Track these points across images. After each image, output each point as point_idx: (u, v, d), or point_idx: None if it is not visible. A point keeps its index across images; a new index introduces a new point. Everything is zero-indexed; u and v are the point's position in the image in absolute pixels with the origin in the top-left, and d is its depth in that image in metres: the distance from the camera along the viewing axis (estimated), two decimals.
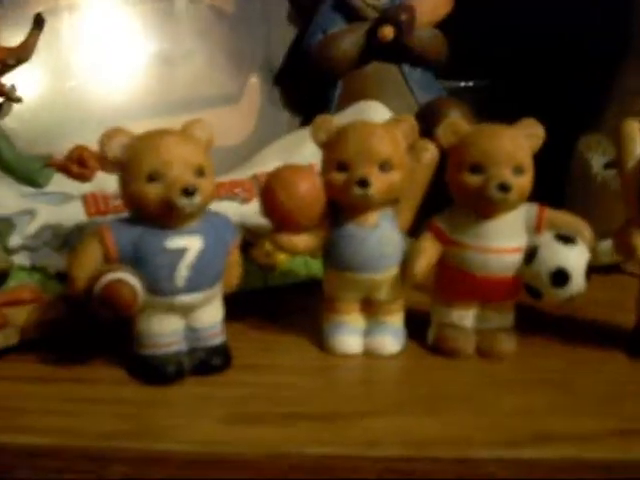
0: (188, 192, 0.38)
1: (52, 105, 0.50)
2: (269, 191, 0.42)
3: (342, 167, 0.41)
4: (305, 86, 0.54)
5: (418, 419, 0.38)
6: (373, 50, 0.53)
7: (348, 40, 0.53)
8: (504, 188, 0.40)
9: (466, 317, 0.44)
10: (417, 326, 0.46)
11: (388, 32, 0.51)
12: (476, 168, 0.41)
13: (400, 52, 0.53)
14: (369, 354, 0.44)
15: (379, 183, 0.41)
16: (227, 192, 0.49)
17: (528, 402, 0.40)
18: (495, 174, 0.41)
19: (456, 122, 0.43)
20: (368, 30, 0.53)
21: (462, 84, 0.62)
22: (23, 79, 0.45)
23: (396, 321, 0.45)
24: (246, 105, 0.53)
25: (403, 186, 0.42)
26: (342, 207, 0.42)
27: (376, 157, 0.41)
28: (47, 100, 0.50)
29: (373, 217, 0.42)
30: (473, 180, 0.41)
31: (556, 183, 0.57)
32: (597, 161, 0.55)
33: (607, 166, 0.54)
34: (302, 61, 0.54)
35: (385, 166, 0.41)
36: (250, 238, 0.49)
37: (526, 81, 0.62)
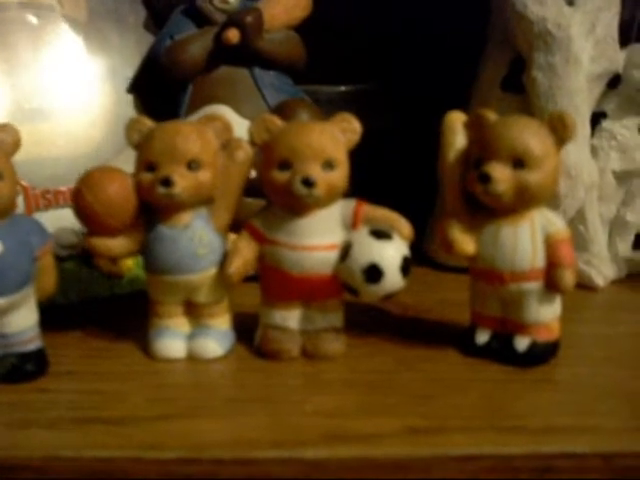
0: None
1: None
2: (77, 194, 0.41)
3: (150, 167, 0.41)
4: (157, 93, 0.53)
5: (209, 421, 0.37)
6: (223, 54, 0.52)
7: (196, 44, 0.52)
8: (308, 183, 0.40)
9: (289, 318, 0.43)
10: (253, 329, 0.45)
11: (232, 35, 0.51)
12: (284, 164, 0.40)
13: (249, 55, 0.52)
14: (193, 358, 0.43)
15: (185, 182, 0.40)
16: (67, 200, 0.48)
17: (336, 403, 0.39)
18: (300, 169, 0.40)
19: (269, 119, 0.42)
20: (216, 34, 0.52)
21: (337, 89, 0.61)
22: None
23: (220, 324, 0.44)
24: (97, 113, 0.52)
25: (214, 185, 0.42)
26: (153, 208, 0.42)
27: (182, 156, 0.40)
28: None
29: (185, 217, 0.42)
30: (281, 177, 0.40)
31: (428, 187, 0.56)
32: None
33: None
34: (151, 67, 0.54)
35: (192, 165, 0.41)
36: None
37: (394, 83, 0.62)
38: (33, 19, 0.52)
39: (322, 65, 0.57)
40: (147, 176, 0.41)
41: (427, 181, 0.56)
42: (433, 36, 0.62)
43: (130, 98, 0.54)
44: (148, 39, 0.55)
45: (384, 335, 0.46)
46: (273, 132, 0.42)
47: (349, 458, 0.35)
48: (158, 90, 0.53)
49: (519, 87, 0.52)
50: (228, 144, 0.42)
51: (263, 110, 0.52)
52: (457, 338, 0.44)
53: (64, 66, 0.52)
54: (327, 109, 0.50)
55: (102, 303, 0.50)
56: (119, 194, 0.41)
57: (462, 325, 0.45)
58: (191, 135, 0.41)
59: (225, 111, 0.50)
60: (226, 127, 0.42)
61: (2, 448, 0.35)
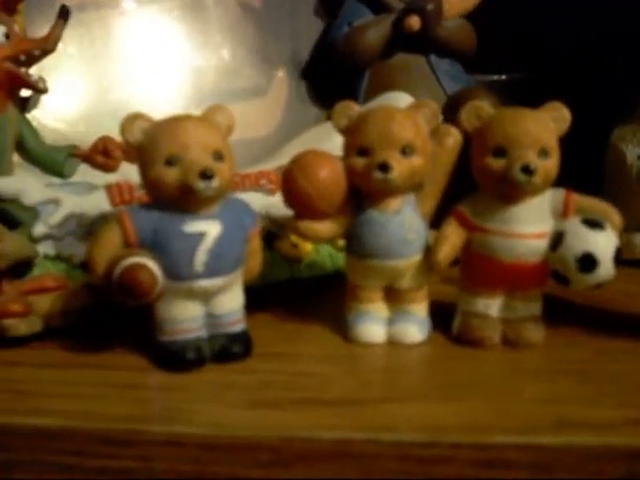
0: (206, 175, 0.38)
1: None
2: (290, 177, 0.42)
3: (363, 152, 0.41)
4: (332, 79, 0.54)
5: (437, 405, 0.37)
6: (400, 41, 0.53)
7: (374, 31, 0.53)
8: (528, 170, 0.40)
9: (492, 306, 0.43)
10: (444, 316, 0.45)
11: (414, 22, 0.51)
12: (500, 151, 0.40)
13: (427, 43, 0.53)
14: (392, 343, 0.43)
15: (400, 167, 0.41)
16: (252, 183, 0.49)
17: (552, 391, 0.39)
18: (519, 156, 0.40)
19: (479, 106, 0.42)
20: (394, 21, 0.52)
21: (495, 77, 0.61)
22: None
23: (420, 310, 0.44)
24: (273, 98, 0.53)
25: (425, 171, 0.42)
26: (364, 193, 0.42)
27: (397, 141, 0.41)
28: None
29: (395, 203, 0.42)
30: (497, 164, 0.40)
31: (592, 176, 0.56)
32: (632, 152, 0.53)
33: None
34: (328, 53, 0.54)
35: (406, 150, 0.41)
36: (276, 229, 0.49)
37: (559, 74, 0.61)
38: (210, 3, 0.52)
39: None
40: (360, 161, 0.41)
41: (585, 171, 0.56)
42: (593, 30, 0.61)
43: (304, 84, 0.54)
44: (319, 25, 0.55)
45: (576, 325, 0.45)
46: (484, 119, 0.42)
47: (587, 446, 0.34)
48: (333, 76, 0.54)
49: None
50: (437, 130, 0.42)
51: (441, 98, 0.52)
52: None
53: (239, 51, 0.53)
54: None
55: (276, 287, 0.51)
56: (331, 178, 0.41)
57: None
58: (406, 121, 0.41)
59: (405, 98, 0.50)
60: (435, 113, 0.42)
61: (233, 426, 0.36)
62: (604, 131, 0.56)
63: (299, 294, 0.50)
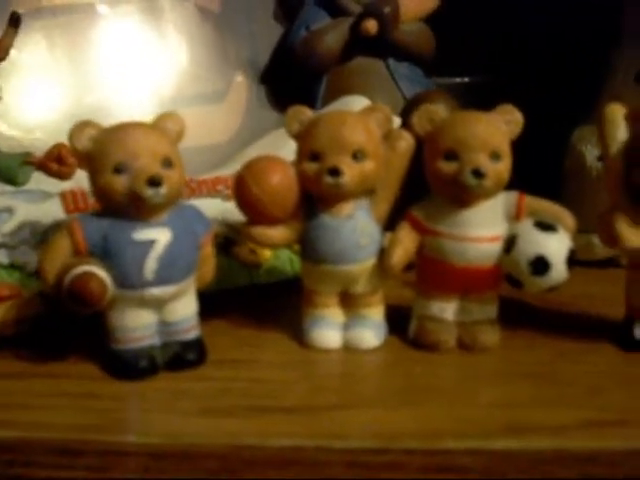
0: (154, 182, 0.38)
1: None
2: (242, 184, 0.41)
3: (314, 157, 0.41)
4: (291, 83, 0.54)
5: (391, 411, 0.37)
6: (358, 45, 0.53)
7: (332, 35, 0.52)
8: (479, 174, 0.40)
9: (447, 309, 0.43)
10: (401, 320, 0.45)
11: (371, 26, 0.51)
12: (451, 155, 0.40)
13: (385, 46, 0.53)
14: (348, 348, 0.43)
15: (352, 172, 0.40)
16: (210, 189, 0.49)
17: (507, 394, 0.39)
18: (469, 160, 0.40)
19: (432, 110, 0.42)
20: (352, 25, 0.52)
21: (457, 80, 0.61)
22: None
23: (376, 314, 0.44)
24: (232, 103, 0.53)
25: (378, 176, 0.42)
26: (316, 198, 0.42)
27: (348, 146, 0.40)
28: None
29: (347, 207, 0.42)
30: (448, 167, 0.40)
31: (552, 177, 0.56)
32: (591, 153, 0.53)
33: (601, 158, 0.53)
34: (286, 58, 0.54)
35: (358, 155, 0.41)
36: (234, 235, 0.49)
37: (520, 76, 0.61)
38: (166, 7, 0.52)
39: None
40: (312, 166, 0.41)
41: (548, 173, 0.56)
42: (554, 33, 0.61)
43: (263, 88, 0.54)
44: (278, 29, 0.55)
45: (533, 327, 0.45)
46: (436, 122, 0.41)
47: (539, 450, 0.34)
48: (291, 80, 0.54)
49: None
50: (389, 135, 0.42)
51: (400, 102, 0.52)
52: (610, 331, 0.44)
53: (197, 55, 0.52)
54: None
55: (235, 293, 0.51)
56: (283, 184, 0.41)
57: (610, 318, 0.45)
58: (357, 125, 0.41)
59: (362, 102, 0.49)
60: (387, 118, 0.42)
61: (184, 435, 0.36)
62: (565, 133, 0.56)
63: (257, 300, 0.50)
